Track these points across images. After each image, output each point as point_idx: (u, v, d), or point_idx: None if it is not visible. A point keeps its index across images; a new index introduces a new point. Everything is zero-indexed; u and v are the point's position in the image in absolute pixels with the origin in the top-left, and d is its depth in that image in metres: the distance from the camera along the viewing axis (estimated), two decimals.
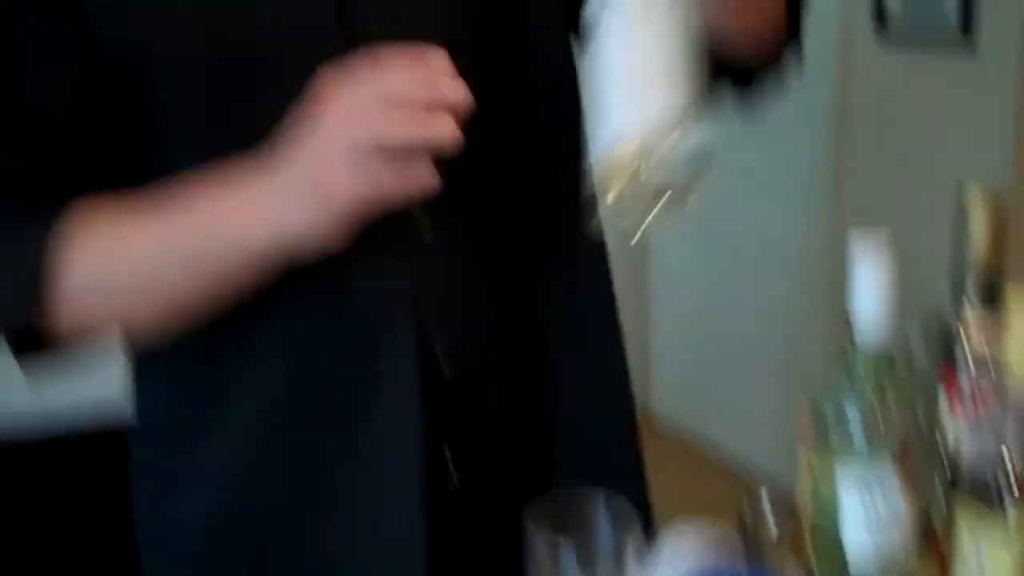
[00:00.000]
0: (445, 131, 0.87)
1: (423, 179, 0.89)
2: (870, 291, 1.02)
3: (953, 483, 1.08)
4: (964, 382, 1.16)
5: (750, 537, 1.17)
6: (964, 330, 1.18)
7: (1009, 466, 1.03)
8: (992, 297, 1.18)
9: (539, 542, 0.91)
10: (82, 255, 0.97)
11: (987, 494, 1.04)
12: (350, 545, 1.07)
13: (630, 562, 0.93)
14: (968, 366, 1.16)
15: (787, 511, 1.20)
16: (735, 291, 3.63)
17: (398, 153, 0.88)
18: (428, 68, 0.88)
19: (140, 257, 0.97)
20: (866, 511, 1.07)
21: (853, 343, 1.06)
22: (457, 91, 0.88)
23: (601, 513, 0.95)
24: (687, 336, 3.88)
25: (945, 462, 1.13)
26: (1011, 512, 1.02)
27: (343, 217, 0.90)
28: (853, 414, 1.08)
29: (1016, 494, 1.02)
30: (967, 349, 1.16)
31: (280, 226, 0.92)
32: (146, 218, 0.97)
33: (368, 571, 1.08)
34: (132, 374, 1.13)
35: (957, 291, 1.19)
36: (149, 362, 1.11)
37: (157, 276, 0.97)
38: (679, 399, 3.90)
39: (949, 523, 1.09)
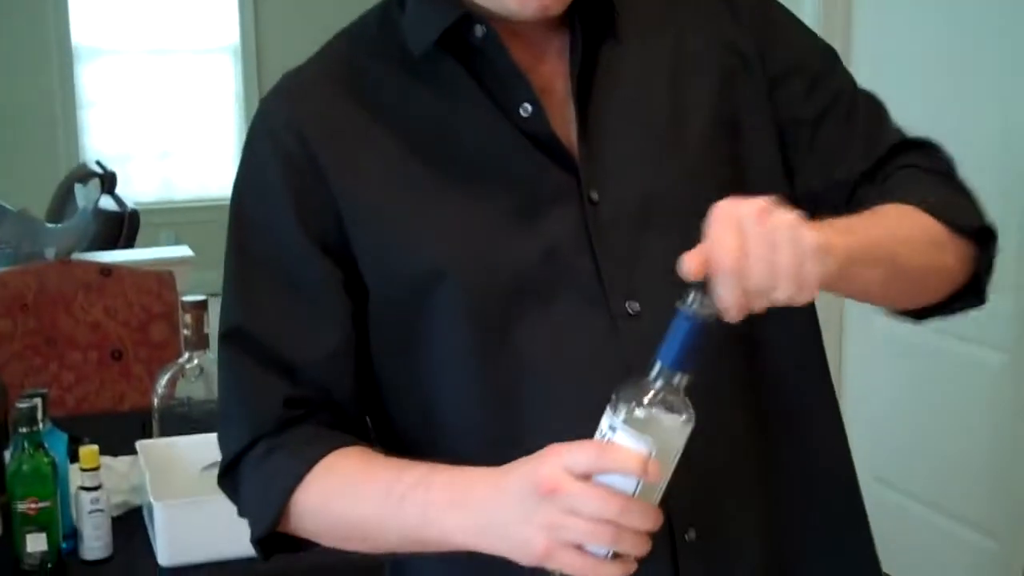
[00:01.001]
0: (632, 547, 0.97)
1: (607, 572, 0.97)
2: None
3: None
4: None
5: None
6: None
7: None
8: None
9: None
10: (321, 491, 1.12)
11: None
12: None
13: None
14: None
15: None
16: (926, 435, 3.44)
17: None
18: (624, 503, 0.96)
19: (359, 511, 1.11)
20: None
21: None
22: (649, 521, 0.97)
23: None
24: (878, 475, 3.70)
25: None
26: None
27: (540, 563, 1.00)
28: None
29: None
30: None
31: (485, 546, 1.03)
32: (380, 481, 1.10)
33: None
34: None
35: None
36: None
37: (363, 528, 1.11)
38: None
39: None
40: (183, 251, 4.24)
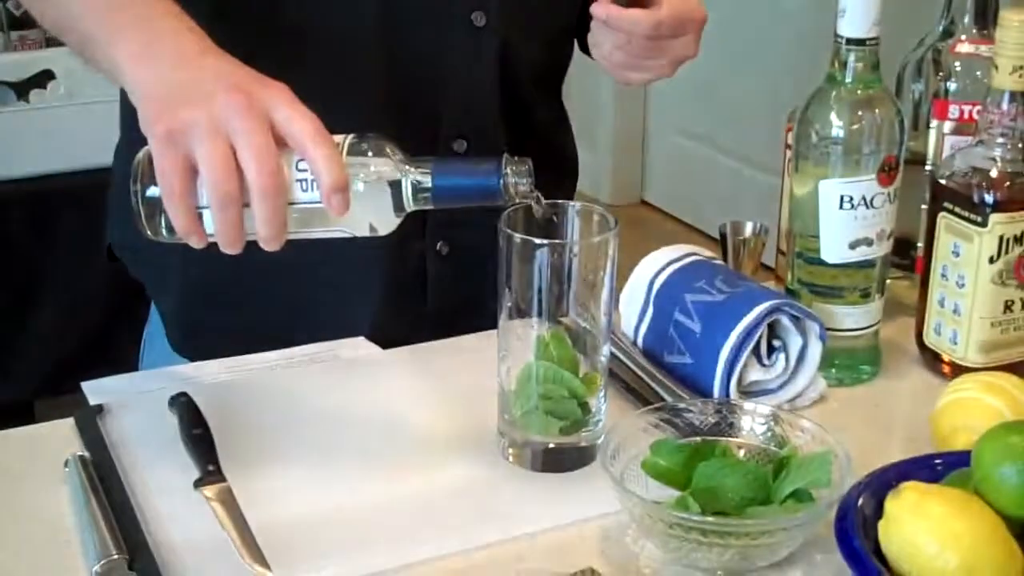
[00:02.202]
0: (224, 227, 0.86)
1: (177, 211, 0.87)
2: None
3: (935, 200, 1.08)
4: (953, 102, 1.15)
5: (729, 249, 1.17)
6: (956, 53, 1.17)
7: (993, 175, 1.03)
8: (984, 24, 1.17)
9: (512, 244, 0.91)
10: None
11: (969, 204, 1.04)
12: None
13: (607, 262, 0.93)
14: (957, 86, 1.15)
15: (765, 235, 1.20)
16: (727, 86, 3.68)
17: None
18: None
19: None
20: (846, 223, 1.06)
21: (839, 38, 1.04)
22: (271, 230, 0.86)
23: (573, 220, 0.95)
24: (680, 127, 3.98)
25: (928, 181, 1.12)
26: (990, 216, 1.02)
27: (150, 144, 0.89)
28: (839, 125, 1.06)
29: (996, 200, 1.02)
30: (957, 70, 1.15)
31: (131, 87, 0.92)
32: None
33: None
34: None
35: (951, 18, 1.18)
36: None
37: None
38: (671, 189, 4.16)
39: (928, 235, 1.09)
40: None
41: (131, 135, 1.22)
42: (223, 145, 0.84)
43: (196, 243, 0.88)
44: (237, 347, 1.16)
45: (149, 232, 0.91)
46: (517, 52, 1.20)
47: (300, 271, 1.19)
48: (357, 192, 0.88)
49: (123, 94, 1.22)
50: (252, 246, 0.88)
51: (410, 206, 0.90)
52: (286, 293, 1.22)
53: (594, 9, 1.10)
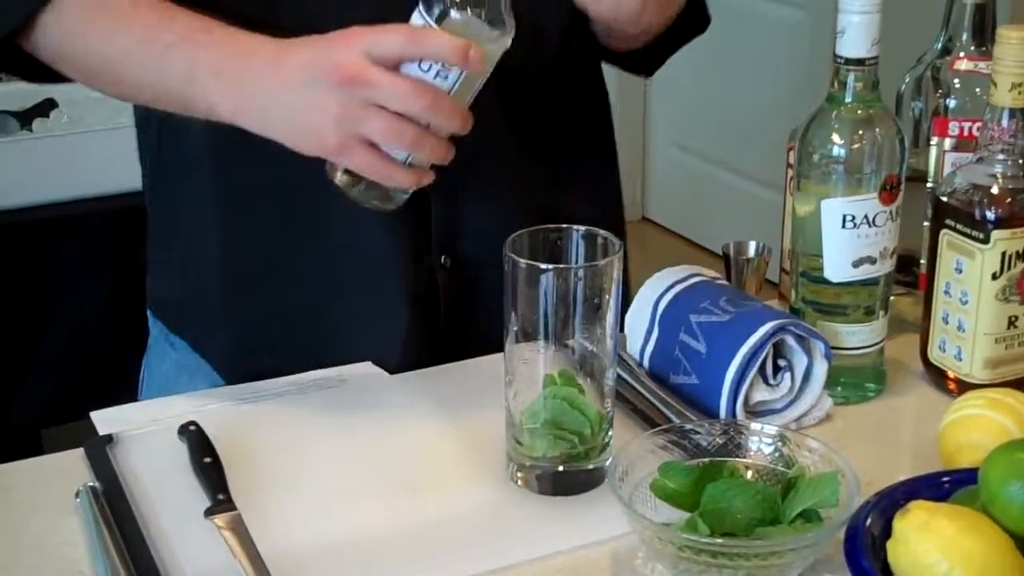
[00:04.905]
0: (432, 155, 0.94)
1: (400, 178, 0.95)
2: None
3: (937, 217, 1.08)
4: (953, 120, 1.16)
5: (733, 268, 1.17)
6: (954, 70, 1.18)
7: (995, 191, 1.04)
8: (982, 41, 1.17)
9: (518, 268, 0.91)
10: (80, 10, 1.01)
11: (971, 220, 1.04)
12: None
13: (612, 285, 0.93)
14: (957, 103, 1.15)
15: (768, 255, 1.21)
16: (727, 101, 3.73)
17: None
18: (438, 95, 0.91)
19: (117, 45, 1.01)
20: (849, 242, 1.07)
21: (839, 59, 1.04)
22: (457, 122, 0.93)
23: (578, 244, 0.95)
24: (680, 144, 4.04)
25: (930, 198, 1.12)
26: (992, 233, 1.02)
27: (330, 157, 0.95)
28: (840, 145, 1.07)
29: (997, 216, 1.02)
30: (956, 87, 1.16)
31: (259, 127, 0.96)
32: (149, 21, 1.00)
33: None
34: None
35: (950, 36, 1.19)
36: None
37: (116, 66, 1.02)
38: (672, 206, 4.20)
39: (931, 253, 1.09)
40: None
41: (161, 190, 1.23)
42: (375, 112, 0.90)
43: (428, 180, 0.96)
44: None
45: (393, 206, 0.99)
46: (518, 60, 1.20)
47: (328, 305, 1.19)
48: (468, 27, 0.92)
49: (144, 163, 1.24)
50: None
51: (504, 5, 0.93)
52: (319, 332, 1.21)
53: None
